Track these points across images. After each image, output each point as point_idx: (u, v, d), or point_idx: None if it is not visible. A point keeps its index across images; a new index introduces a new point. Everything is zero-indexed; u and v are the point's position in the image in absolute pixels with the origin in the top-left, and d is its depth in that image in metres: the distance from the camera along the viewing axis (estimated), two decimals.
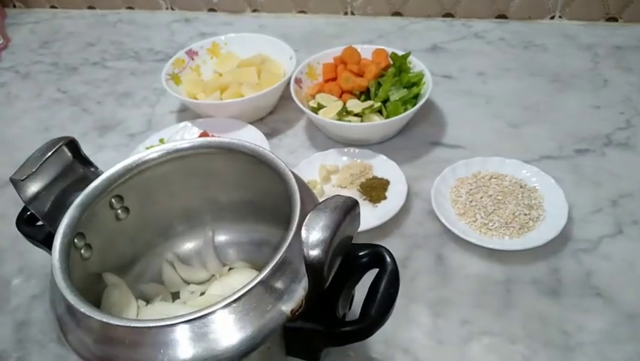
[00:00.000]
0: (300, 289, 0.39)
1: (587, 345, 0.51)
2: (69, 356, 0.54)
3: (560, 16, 1.01)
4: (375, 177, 0.70)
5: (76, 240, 0.46)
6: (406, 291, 0.57)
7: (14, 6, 1.27)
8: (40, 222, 0.49)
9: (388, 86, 0.75)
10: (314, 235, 0.37)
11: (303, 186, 0.46)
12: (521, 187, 0.66)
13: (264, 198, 0.52)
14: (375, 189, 0.68)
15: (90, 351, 0.38)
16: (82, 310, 0.38)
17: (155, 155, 0.50)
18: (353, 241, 0.43)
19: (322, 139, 0.78)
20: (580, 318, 0.54)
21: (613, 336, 0.52)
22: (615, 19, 0.99)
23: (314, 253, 0.36)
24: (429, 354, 0.52)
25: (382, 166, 0.71)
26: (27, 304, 0.61)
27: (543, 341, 0.52)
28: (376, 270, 0.43)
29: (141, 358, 0.36)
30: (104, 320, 0.37)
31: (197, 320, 0.36)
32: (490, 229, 0.62)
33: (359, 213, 0.41)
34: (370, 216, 0.64)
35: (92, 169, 0.50)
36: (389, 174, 0.70)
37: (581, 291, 0.56)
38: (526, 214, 0.62)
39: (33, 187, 0.46)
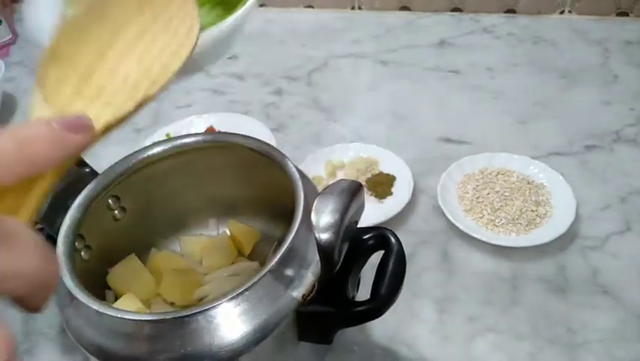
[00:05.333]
0: (310, 275, 0.40)
1: (594, 343, 0.51)
2: (75, 349, 0.54)
3: (569, 11, 1.00)
4: (381, 173, 0.69)
5: (76, 242, 0.46)
6: (412, 287, 0.56)
7: (23, 1, 1.28)
8: (38, 226, 0.49)
9: None
10: (324, 218, 0.37)
11: (305, 179, 0.46)
12: (529, 183, 0.65)
13: (265, 192, 0.52)
14: (381, 185, 0.68)
15: (99, 347, 0.39)
16: (95, 307, 0.38)
17: (153, 152, 0.51)
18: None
19: (329, 134, 0.78)
20: (586, 316, 0.53)
21: (620, 334, 0.52)
22: (626, 14, 0.98)
23: (325, 236, 0.37)
24: (433, 350, 0.52)
25: (388, 162, 0.70)
26: None
27: (549, 338, 0.52)
28: (381, 253, 0.44)
29: (158, 350, 0.37)
30: (119, 315, 0.37)
31: (211, 310, 0.37)
32: (497, 226, 0.61)
33: (364, 197, 0.42)
34: (376, 212, 0.64)
35: (87, 170, 0.50)
36: (395, 169, 0.69)
37: (588, 288, 0.56)
38: (533, 211, 0.62)
39: None
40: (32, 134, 0.23)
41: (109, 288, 0.50)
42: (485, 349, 0.52)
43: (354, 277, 0.44)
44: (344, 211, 0.38)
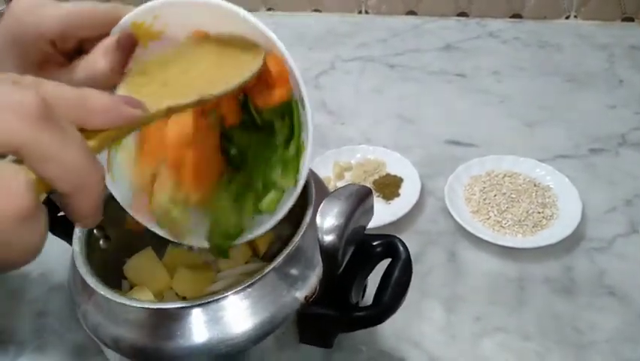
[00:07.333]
0: (314, 277, 0.40)
1: (601, 343, 0.51)
2: (86, 345, 0.55)
3: (575, 16, 1.01)
4: (388, 175, 0.70)
5: (95, 231, 0.47)
6: (419, 287, 0.57)
7: None
8: (61, 213, 0.50)
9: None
10: (328, 221, 0.37)
11: (317, 181, 0.47)
12: (535, 186, 0.66)
13: None
14: (389, 186, 0.68)
15: (108, 334, 0.39)
16: (102, 293, 0.39)
17: None
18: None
19: (336, 136, 0.79)
20: (593, 316, 0.54)
21: (627, 335, 0.52)
22: (631, 20, 0.99)
23: (328, 238, 0.37)
24: (441, 349, 0.52)
25: (396, 164, 0.71)
26: (45, 295, 0.62)
27: (556, 338, 0.52)
28: (389, 261, 0.43)
29: (158, 340, 0.37)
30: (124, 302, 0.38)
31: (213, 304, 0.37)
32: (504, 227, 0.62)
33: (372, 202, 0.42)
34: (384, 213, 0.64)
35: None
36: (402, 171, 0.70)
37: (594, 290, 0.56)
38: (539, 212, 0.63)
39: None
40: (95, 94, 0.27)
41: (125, 278, 0.51)
42: (492, 349, 0.52)
43: (359, 283, 0.44)
44: (349, 215, 0.38)
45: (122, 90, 0.36)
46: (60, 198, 0.25)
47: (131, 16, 0.38)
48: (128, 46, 0.39)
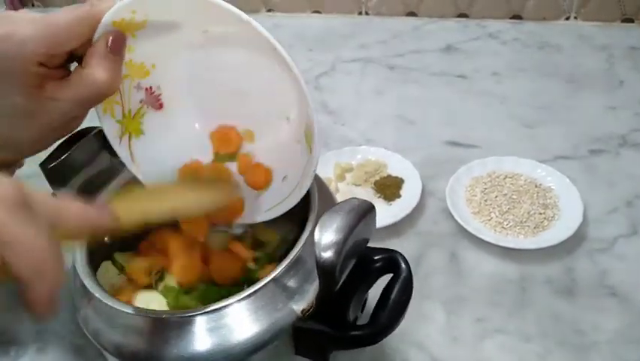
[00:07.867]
0: (312, 290, 0.40)
1: (602, 344, 0.51)
2: (87, 348, 0.55)
3: (575, 17, 1.01)
4: (389, 176, 0.70)
5: None
6: (420, 288, 0.57)
7: (33, 5, 1.29)
8: None
9: None
10: (327, 236, 0.36)
11: (321, 185, 0.46)
12: (536, 187, 0.66)
13: None
14: (390, 188, 0.68)
15: (108, 340, 0.39)
16: (102, 299, 0.39)
17: None
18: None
19: (337, 137, 0.79)
20: (594, 317, 0.54)
21: (628, 336, 0.52)
22: (631, 20, 0.99)
23: (326, 255, 0.36)
24: (443, 351, 0.52)
25: (397, 165, 0.71)
26: None
27: (557, 340, 0.52)
28: (390, 275, 0.43)
29: (157, 347, 0.37)
30: (124, 309, 0.38)
31: (211, 313, 0.37)
32: (505, 228, 0.62)
33: (375, 217, 0.41)
34: (384, 215, 0.64)
35: (119, 160, 0.50)
36: (403, 172, 0.70)
37: (595, 291, 0.56)
38: (541, 213, 0.63)
39: (61, 174, 0.46)
40: (66, 204, 0.31)
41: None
42: (494, 350, 0.52)
43: (358, 298, 0.43)
44: (349, 231, 0.37)
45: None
46: (20, 285, 0.27)
47: (109, 16, 0.39)
48: (118, 44, 0.39)
